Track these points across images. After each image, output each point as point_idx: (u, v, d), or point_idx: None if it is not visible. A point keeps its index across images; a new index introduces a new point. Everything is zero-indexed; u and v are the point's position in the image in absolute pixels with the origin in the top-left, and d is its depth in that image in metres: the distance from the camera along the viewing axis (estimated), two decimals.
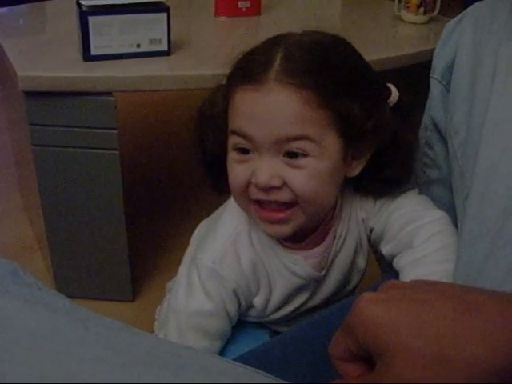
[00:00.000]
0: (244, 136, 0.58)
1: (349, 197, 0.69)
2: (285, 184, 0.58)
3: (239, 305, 0.67)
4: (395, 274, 0.65)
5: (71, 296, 0.40)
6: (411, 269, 0.61)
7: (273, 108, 0.56)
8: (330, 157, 0.58)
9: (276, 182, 0.57)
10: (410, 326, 0.32)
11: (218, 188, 0.70)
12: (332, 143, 0.58)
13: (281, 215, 0.60)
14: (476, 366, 0.30)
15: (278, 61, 0.56)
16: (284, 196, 0.58)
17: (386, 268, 0.77)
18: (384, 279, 0.74)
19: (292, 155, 0.57)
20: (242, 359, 0.58)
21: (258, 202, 0.60)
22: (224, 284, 0.64)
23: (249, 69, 0.58)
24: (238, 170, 0.60)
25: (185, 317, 0.66)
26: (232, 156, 0.60)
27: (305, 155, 0.57)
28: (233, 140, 0.60)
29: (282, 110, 0.55)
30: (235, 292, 0.65)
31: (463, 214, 0.57)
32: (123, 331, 0.36)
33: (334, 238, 0.69)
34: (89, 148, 0.99)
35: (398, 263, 0.65)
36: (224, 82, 0.64)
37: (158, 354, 0.34)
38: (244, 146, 0.59)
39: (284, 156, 0.57)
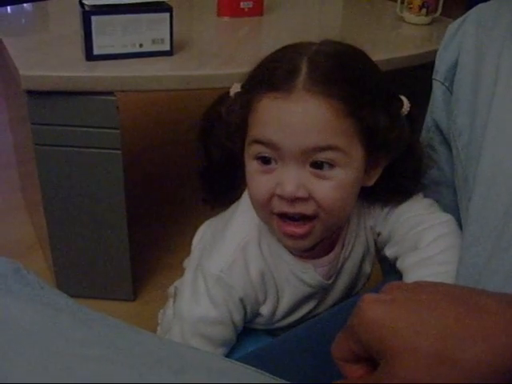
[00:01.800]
0: (269, 145, 0.56)
1: (356, 204, 0.68)
2: (310, 196, 0.56)
3: (245, 313, 0.66)
4: (397, 276, 0.65)
5: (72, 295, 0.40)
6: (415, 269, 0.61)
7: (301, 117, 0.55)
8: (355, 167, 0.58)
9: (303, 193, 0.56)
10: (413, 327, 0.32)
11: (211, 202, 0.69)
12: (357, 153, 0.57)
13: (304, 230, 0.59)
14: (478, 366, 0.30)
15: (304, 69, 0.55)
16: (309, 208, 0.57)
17: (387, 270, 0.77)
18: (386, 281, 0.74)
19: (319, 166, 0.56)
20: (245, 359, 0.58)
21: (281, 216, 0.59)
22: (231, 293, 0.63)
23: (274, 77, 0.56)
24: (261, 181, 0.58)
25: (189, 323, 0.65)
26: (253, 166, 0.59)
27: (332, 165, 0.56)
28: (255, 149, 0.58)
29: (311, 120, 0.54)
30: (242, 301, 0.64)
31: (466, 215, 0.57)
32: (126, 330, 0.36)
33: (343, 246, 0.68)
34: (91, 147, 0.99)
35: (401, 264, 0.65)
36: (234, 89, 0.63)
37: (160, 353, 0.34)
38: (267, 155, 0.57)
39: (310, 166, 0.56)
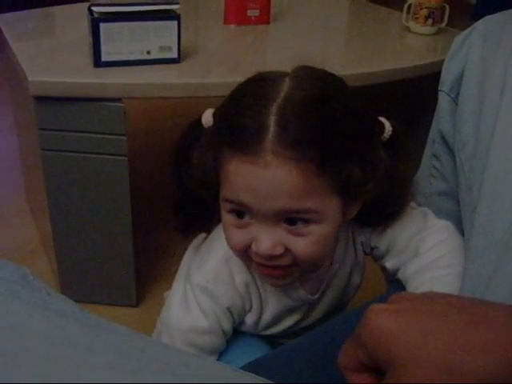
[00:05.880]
0: (241, 205, 0.55)
1: (345, 224, 0.67)
2: (287, 250, 0.56)
3: (233, 321, 0.67)
4: (400, 285, 0.65)
5: (75, 300, 0.40)
6: (418, 275, 0.62)
7: (271, 182, 0.52)
8: (330, 220, 0.56)
9: (279, 251, 0.56)
10: (420, 338, 0.32)
11: (185, 232, 0.70)
12: (332, 206, 0.56)
13: (282, 272, 0.59)
14: (484, 378, 0.30)
15: (272, 127, 0.52)
16: (286, 261, 0.57)
17: (390, 279, 0.77)
18: (390, 290, 0.74)
19: (293, 222, 0.55)
20: (248, 368, 0.58)
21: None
22: (218, 302, 0.64)
23: (240, 136, 0.53)
24: (236, 235, 0.58)
25: (179, 332, 0.65)
26: (228, 219, 0.58)
27: (306, 222, 0.55)
28: (228, 205, 0.57)
29: (281, 185, 0.52)
30: (229, 310, 0.65)
31: (470, 226, 0.57)
32: (132, 338, 0.37)
33: (331, 263, 0.68)
34: (97, 153, 1.00)
35: (403, 273, 0.65)
36: (206, 117, 0.61)
37: (166, 361, 0.34)
38: (241, 210, 0.56)
39: (285, 223, 0.55)
